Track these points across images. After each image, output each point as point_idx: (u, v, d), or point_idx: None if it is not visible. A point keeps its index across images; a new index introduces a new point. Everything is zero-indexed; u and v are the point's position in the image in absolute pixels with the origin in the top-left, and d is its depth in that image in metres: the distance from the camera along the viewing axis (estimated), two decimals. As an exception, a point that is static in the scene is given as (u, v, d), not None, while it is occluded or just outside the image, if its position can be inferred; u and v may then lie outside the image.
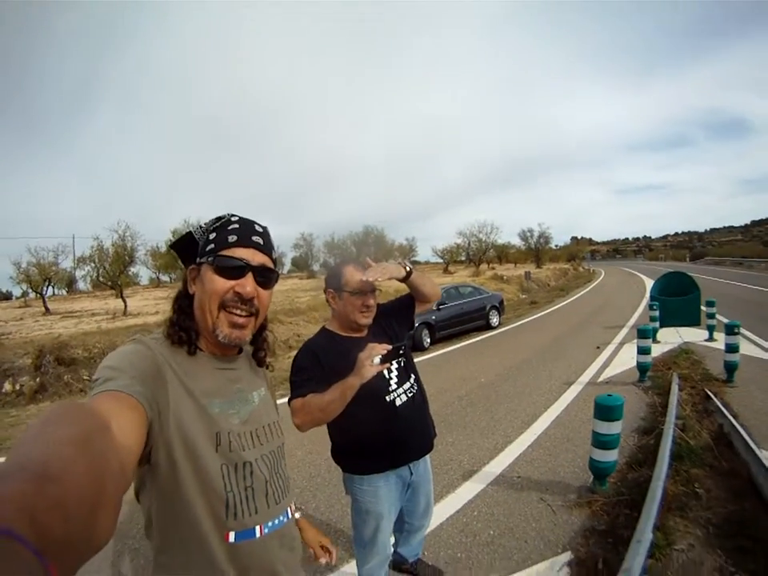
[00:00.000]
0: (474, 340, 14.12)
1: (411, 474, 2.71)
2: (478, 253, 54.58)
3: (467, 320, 15.43)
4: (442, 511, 4.09)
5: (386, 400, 2.56)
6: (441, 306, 14.75)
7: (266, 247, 1.41)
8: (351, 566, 3.29)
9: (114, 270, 25.75)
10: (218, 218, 1.41)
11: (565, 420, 6.20)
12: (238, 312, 1.34)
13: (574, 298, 25.43)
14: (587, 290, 30.51)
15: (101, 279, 27.68)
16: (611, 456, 4.11)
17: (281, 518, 1.39)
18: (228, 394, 1.38)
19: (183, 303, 1.41)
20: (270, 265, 1.42)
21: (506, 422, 6.39)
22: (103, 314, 23.56)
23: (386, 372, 2.58)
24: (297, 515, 1.70)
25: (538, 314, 19.09)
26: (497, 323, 16.56)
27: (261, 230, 1.42)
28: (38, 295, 31.80)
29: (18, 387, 12.47)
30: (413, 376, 2.74)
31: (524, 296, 28.62)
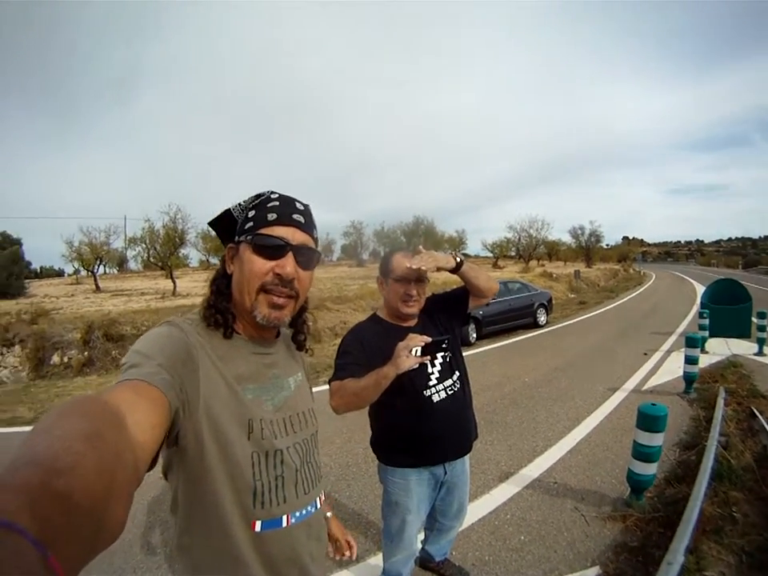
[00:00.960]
0: (520, 338, 13.97)
1: (446, 473, 2.66)
2: (527, 248, 53.93)
3: (514, 317, 15.21)
4: (474, 512, 4.07)
5: (423, 394, 2.50)
6: (488, 302, 14.65)
7: (307, 226, 1.35)
8: (377, 559, 3.31)
9: (164, 251, 26.33)
10: (258, 195, 1.37)
11: (606, 427, 6.12)
12: (278, 293, 1.29)
13: (623, 300, 25.00)
14: (637, 293, 29.96)
15: (151, 260, 28.37)
16: (651, 469, 4.04)
17: (309, 507, 1.36)
18: (263, 380, 1.35)
19: (221, 284, 1.38)
20: (312, 244, 1.36)
21: (547, 424, 6.33)
22: (153, 294, 23.99)
23: (428, 365, 2.52)
24: (328, 514, 1.68)
25: (586, 315, 18.80)
26: (544, 322, 16.33)
27: (302, 207, 1.37)
28: (90, 273, 32.55)
29: (66, 360, 12.78)
30: (457, 373, 2.66)
31: (573, 295, 28.15)
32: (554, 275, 33.18)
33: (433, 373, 2.55)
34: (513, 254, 56.44)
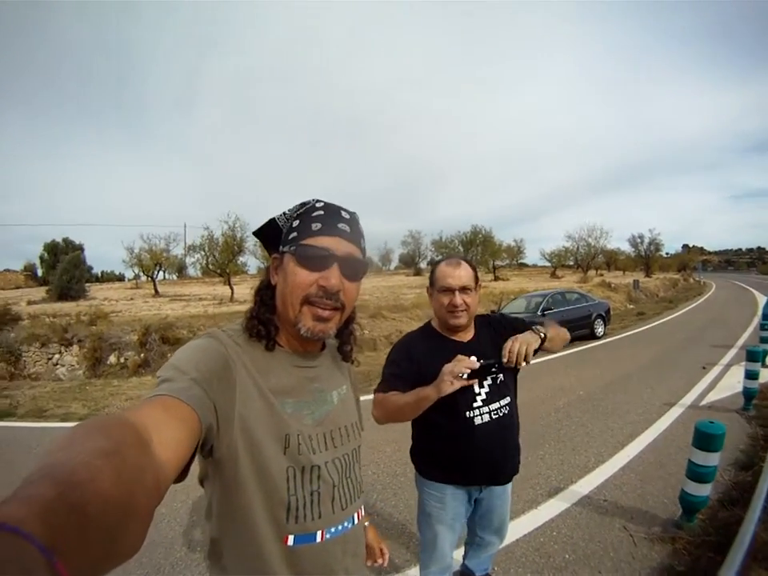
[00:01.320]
0: (576, 349, 13.76)
1: (481, 491, 2.59)
2: (586, 258, 53.25)
3: (572, 328, 14.67)
4: (520, 527, 4.04)
5: (465, 415, 2.39)
6: (545, 312, 14.50)
7: (353, 235, 1.31)
8: (415, 571, 3.32)
9: (223, 258, 27.10)
10: (303, 204, 1.34)
11: (661, 444, 5.94)
12: (323, 306, 1.25)
13: (683, 311, 24.40)
14: (696, 303, 29.20)
15: (210, 266, 29.11)
16: (704, 490, 3.91)
17: (345, 523, 1.32)
18: (304, 394, 1.32)
19: (265, 294, 1.37)
20: (358, 255, 1.32)
21: (601, 439, 6.19)
22: (210, 299, 24.60)
23: (475, 386, 2.40)
24: (366, 524, 1.67)
25: (645, 327, 18.39)
26: (602, 333, 16.07)
27: (348, 216, 1.33)
28: (149, 278, 33.69)
29: (122, 360, 13.15)
30: (508, 398, 2.51)
31: (631, 306, 27.60)
32: (613, 285, 32.68)
33: (479, 394, 2.43)
34: (571, 263, 55.80)
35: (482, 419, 2.41)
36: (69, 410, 9.00)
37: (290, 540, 1.20)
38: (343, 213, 1.32)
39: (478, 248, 48.64)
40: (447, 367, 2.05)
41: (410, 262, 59.12)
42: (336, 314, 1.29)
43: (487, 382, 2.44)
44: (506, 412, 2.49)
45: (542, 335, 2.35)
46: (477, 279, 2.47)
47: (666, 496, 4.55)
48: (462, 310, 2.40)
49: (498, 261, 52.09)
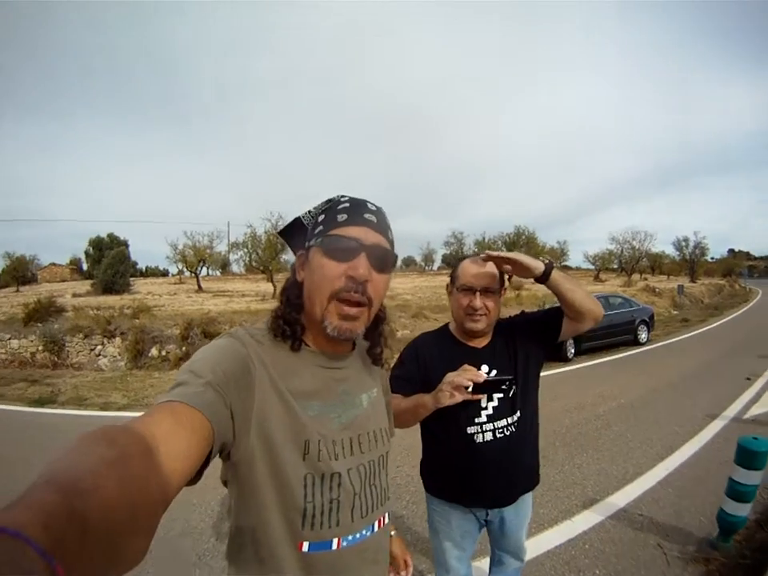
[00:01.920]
0: (619, 355, 13.60)
1: (487, 514, 2.35)
2: (630, 261, 52.25)
3: (614, 333, 14.73)
4: (552, 538, 3.98)
5: (465, 431, 2.18)
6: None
7: (381, 226, 1.27)
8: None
9: (266, 255, 27.36)
10: (328, 201, 1.31)
11: (702, 458, 5.79)
12: (350, 299, 1.20)
13: (728, 318, 23.98)
14: (742, 311, 28.66)
15: (253, 264, 29.55)
16: (743, 510, 3.77)
17: (364, 531, 1.26)
18: (330, 396, 1.27)
19: (292, 293, 1.33)
20: (386, 245, 1.27)
21: (640, 450, 6.07)
22: (253, 296, 24.88)
23: (484, 400, 2.17)
24: (392, 533, 1.63)
25: (689, 334, 18.10)
26: (645, 339, 15.80)
27: (374, 208, 1.29)
28: (193, 274, 34.33)
29: (164, 353, 13.38)
30: (519, 414, 2.23)
31: (675, 312, 27.07)
32: (657, 290, 32.10)
33: (486, 408, 2.20)
34: (615, 266, 55.06)
35: (483, 437, 2.19)
36: (108, 400, 9.21)
37: (305, 546, 1.16)
38: (369, 205, 1.29)
39: (521, 249, 48.05)
40: (449, 376, 1.91)
41: (452, 263, 59.20)
42: (363, 310, 1.23)
43: (497, 396, 2.21)
44: (515, 429, 2.23)
45: (547, 262, 2.04)
46: (502, 282, 2.25)
47: (703, 513, 4.41)
48: (482, 314, 2.19)
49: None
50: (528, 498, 2.43)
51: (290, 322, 1.27)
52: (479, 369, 2.06)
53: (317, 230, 1.26)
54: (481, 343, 2.31)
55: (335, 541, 1.20)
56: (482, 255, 2.16)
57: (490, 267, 2.17)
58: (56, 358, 14.14)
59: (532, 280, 2.06)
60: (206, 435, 0.94)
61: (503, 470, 2.20)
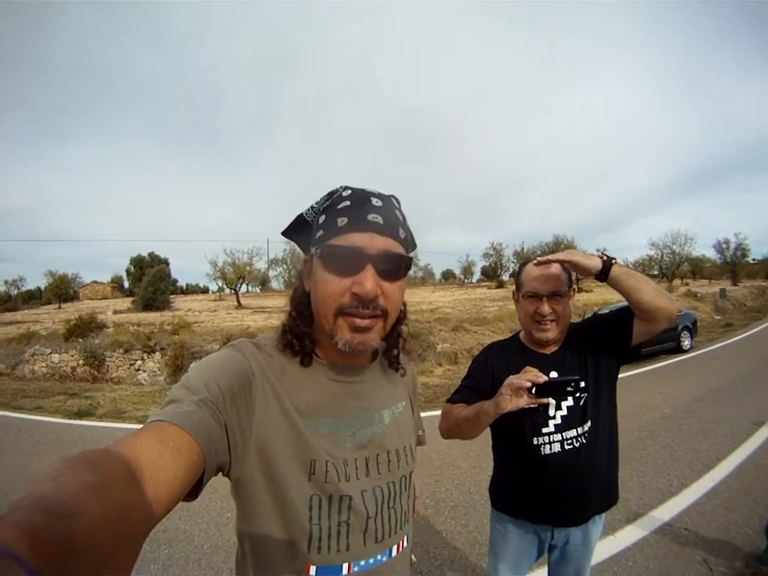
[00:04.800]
0: (661, 364, 13.24)
1: (553, 537, 2.15)
2: (670, 266, 51.51)
3: (657, 341, 14.11)
4: (594, 554, 3.80)
5: (531, 442, 2.02)
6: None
7: (388, 226, 1.11)
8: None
9: (305, 271, 28.11)
10: (329, 194, 1.17)
11: (750, 468, 5.59)
12: (359, 315, 1.09)
13: (772, 322, 23.16)
14: (786, 313, 27.69)
15: (292, 280, 29.88)
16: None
17: (379, 557, 1.16)
18: (344, 413, 1.18)
19: (300, 303, 1.24)
20: (396, 248, 1.12)
21: (685, 462, 5.88)
22: (292, 312, 25.38)
23: (550, 407, 2.01)
24: (413, 558, 1.48)
25: (732, 339, 17.65)
26: (689, 346, 15.34)
27: (380, 203, 1.13)
28: (232, 291, 34.96)
29: (203, 368, 13.70)
30: (590, 424, 2.04)
31: (718, 317, 26.42)
32: (699, 295, 31.46)
33: (553, 417, 2.03)
34: (656, 272, 54.30)
35: (550, 449, 2.02)
36: (147, 413, 9.37)
37: (312, 570, 1.09)
38: (374, 200, 1.13)
39: (562, 257, 47.94)
40: (510, 379, 1.77)
41: (492, 275, 58.92)
42: (378, 321, 1.12)
43: (567, 404, 2.03)
44: (586, 441, 2.03)
45: (605, 257, 1.90)
46: (571, 283, 2.10)
47: (750, 526, 4.23)
48: (551, 320, 2.05)
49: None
50: (599, 523, 2.24)
51: (299, 335, 1.19)
52: (548, 375, 1.89)
53: (317, 235, 1.15)
54: (550, 350, 2.17)
55: (345, 566, 1.11)
56: (532, 262, 2.06)
57: (556, 268, 2.04)
58: (96, 372, 14.47)
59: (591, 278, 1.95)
60: (195, 458, 0.89)
61: (571, 485, 2.03)
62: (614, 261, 1.89)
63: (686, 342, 15.34)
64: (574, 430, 2.02)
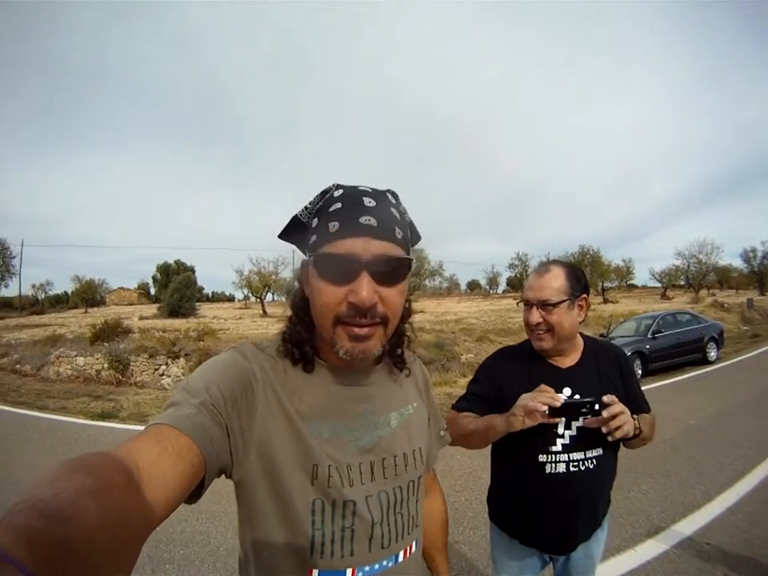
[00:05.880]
0: (687, 375, 13.05)
1: (550, 559, 2.12)
2: (697, 276, 51.01)
3: (683, 352, 14.22)
4: (614, 568, 3.80)
5: (536, 459, 1.92)
6: (656, 335, 13.84)
7: (383, 228, 1.05)
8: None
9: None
10: (322, 194, 1.13)
11: (775, 481, 5.45)
12: (357, 324, 1.05)
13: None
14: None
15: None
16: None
17: (385, 562, 1.14)
18: (347, 417, 1.16)
19: (300, 309, 1.20)
20: (393, 251, 1.06)
21: (709, 475, 5.77)
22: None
23: (559, 425, 1.90)
24: None
25: (759, 350, 17.29)
26: (715, 357, 15.05)
27: (372, 203, 1.07)
28: (258, 299, 35.30)
29: (227, 374, 13.88)
30: (601, 450, 1.93)
31: (745, 327, 25.85)
32: (725, 305, 30.99)
33: (562, 436, 1.91)
34: (682, 282, 53.82)
35: (554, 468, 1.92)
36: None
37: (315, 574, 1.08)
38: (366, 200, 1.07)
39: (587, 269, 47.83)
40: (523, 399, 1.73)
41: (517, 285, 59.11)
42: (377, 329, 1.08)
43: (577, 424, 1.91)
44: (593, 467, 1.93)
45: (639, 431, 1.84)
46: (573, 291, 1.95)
47: (774, 541, 4.12)
48: (545, 331, 1.96)
49: (606, 282, 51.44)
50: (601, 537, 2.13)
51: (300, 343, 1.16)
52: (561, 391, 1.89)
53: (311, 241, 1.11)
54: (565, 362, 2.05)
55: (349, 571, 1.10)
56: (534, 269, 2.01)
57: (553, 275, 1.96)
58: (120, 376, 14.65)
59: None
60: (195, 461, 0.89)
61: (566, 510, 1.95)
62: (640, 431, 1.86)
63: (713, 354, 15.11)
64: (582, 453, 1.93)
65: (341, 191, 1.10)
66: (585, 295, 2.02)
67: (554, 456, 1.92)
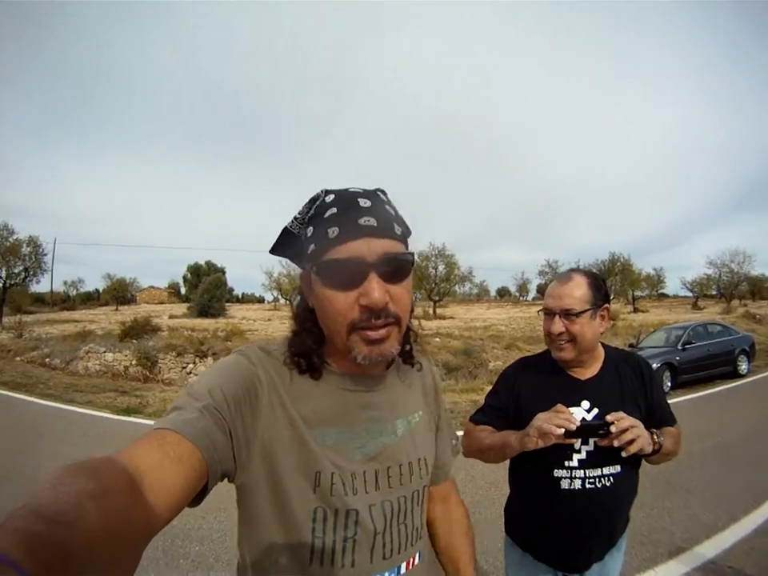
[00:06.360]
0: (717, 389, 12.79)
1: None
2: (728, 286, 50.41)
3: (713, 364, 13.91)
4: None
5: (552, 474, 1.87)
6: (686, 346, 13.59)
7: (382, 227, 1.04)
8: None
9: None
10: (311, 202, 1.11)
11: (806, 503, 5.29)
12: (373, 327, 1.03)
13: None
14: None
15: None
16: None
17: (386, 573, 1.13)
18: (352, 423, 1.14)
19: (306, 319, 1.19)
20: (396, 248, 1.07)
21: (737, 494, 5.58)
22: (348, 323, 26.47)
23: (578, 441, 1.83)
24: None
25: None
26: (746, 371, 14.75)
27: (368, 203, 1.06)
28: (287, 301, 36.13)
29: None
30: (620, 468, 1.87)
31: (777, 339, 25.47)
32: (757, 316, 30.48)
33: (578, 451, 1.86)
34: (714, 292, 53.13)
35: (570, 483, 1.87)
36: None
37: None
38: (361, 201, 1.06)
39: (617, 277, 47.68)
40: (539, 419, 1.68)
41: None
42: (392, 329, 1.07)
43: (594, 439, 1.81)
44: (610, 484, 1.87)
45: (659, 445, 1.78)
46: (595, 300, 1.92)
47: (801, 566, 3.98)
48: (566, 341, 1.91)
49: (637, 291, 51.16)
50: (617, 558, 2.06)
51: (306, 354, 1.14)
52: (579, 404, 1.87)
53: (310, 250, 1.08)
54: (585, 373, 2.00)
55: None
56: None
57: (576, 284, 1.92)
58: (147, 373, 14.91)
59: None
60: (197, 466, 0.88)
61: (582, 528, 1.90)
62: (660, 446, 1.80)
63: (743, 367, 14.82)
64: (599, 470, 1.87)
65: (332, 196, 1.09)
66: (607, 305, 1.98)
67: (570, 472, 1.87)
